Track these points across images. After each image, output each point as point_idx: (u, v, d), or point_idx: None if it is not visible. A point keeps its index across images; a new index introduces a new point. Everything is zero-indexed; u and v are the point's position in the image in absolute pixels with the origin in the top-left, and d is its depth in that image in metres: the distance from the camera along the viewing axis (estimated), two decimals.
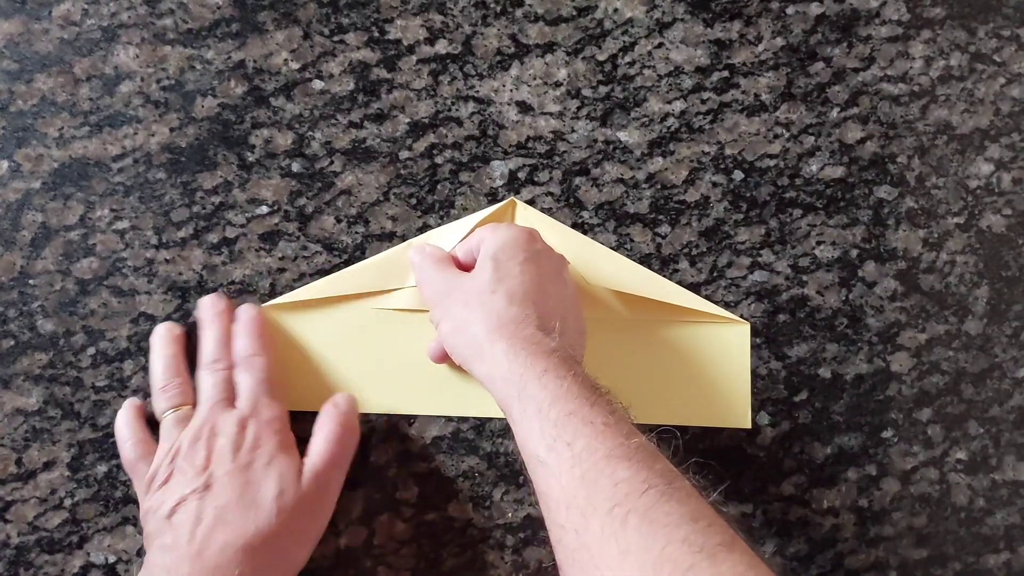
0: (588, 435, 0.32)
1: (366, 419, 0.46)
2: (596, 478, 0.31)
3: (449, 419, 0.46)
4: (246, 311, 0.44)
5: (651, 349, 0.46)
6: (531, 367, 0.35)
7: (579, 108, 0.48)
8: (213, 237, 0.46)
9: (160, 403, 0.42)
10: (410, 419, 0.46)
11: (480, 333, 0.37)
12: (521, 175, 0.48)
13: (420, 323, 0.45)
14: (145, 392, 0.45)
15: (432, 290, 0.42)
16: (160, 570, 0.37)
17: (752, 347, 0.47)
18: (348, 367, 0.46)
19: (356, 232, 0.47)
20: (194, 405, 0.42)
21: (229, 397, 0.41)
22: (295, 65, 0.47)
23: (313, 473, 0.40)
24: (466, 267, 0.42)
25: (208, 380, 0.42)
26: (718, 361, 0.46)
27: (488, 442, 0.47)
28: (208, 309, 0.44)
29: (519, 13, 0.48)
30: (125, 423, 0.43)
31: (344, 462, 0.42)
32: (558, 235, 0.46)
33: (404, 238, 0.47)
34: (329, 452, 0.41)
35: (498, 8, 0.48)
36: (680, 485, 0.31)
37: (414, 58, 0.47)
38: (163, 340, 0.44)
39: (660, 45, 0.48)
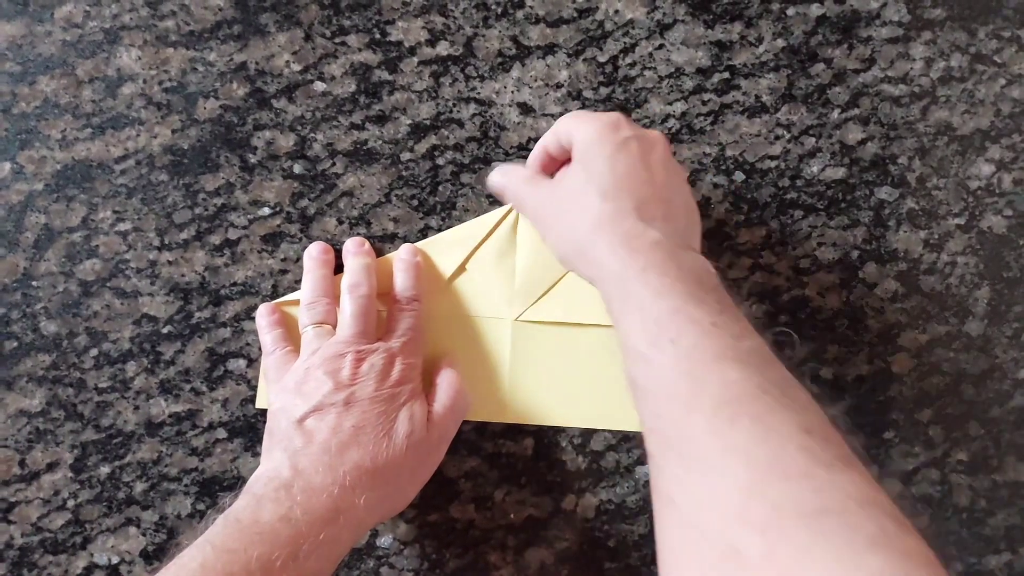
0: (695, 334, 0.30)
1: None
2: (704, 375, 0.29)
3: None
4: (408, 252, 0.45)
5: None
6: (631, 264, 0.34)
7: (580, 109, 0.48)
8: (215, 239, 0.46)
9: (305, 317, 0.43)
10: None
11: (580, 235, 0.36)
12: None
13: (439, 325, 0.46)
14: (148, 394, 0.46)
15: (531, 207, 0.41)
16: (289, 469, 0.37)
17: None
18: None
19: (358, 234, 0.47)
20: (335, 326, 0.42)
21: (368, 329, 0.42)
22: (297, 67, 0.47)
23: (436, 420, 0.41)
24: (559, 158, 0.41)
25: (349, 307, 0.42)
26: None
27: (490, 443, 0.47)
28: (355, 244, 0.45)
29: (520, 15, 0.48)
30: (268, 329, 0.44)
31: (460, 415, 0.43)
32: None
33: (406, 239, 0.47)
34: (451, 404, 0.42)
35: (499, 10, 0.48)
36: (796, 396, 0.29)
37: (415, 60, 0.48)
38: (316, 261, 0.45)
39: (661, 47, 0.48)
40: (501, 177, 0.43)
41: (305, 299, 0.43)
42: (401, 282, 0.44)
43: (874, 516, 0.25)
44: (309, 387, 0.39)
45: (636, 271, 0.33)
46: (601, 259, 0.35)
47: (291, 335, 0.44)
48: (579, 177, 0.38)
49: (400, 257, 0.45)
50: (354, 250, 0.45)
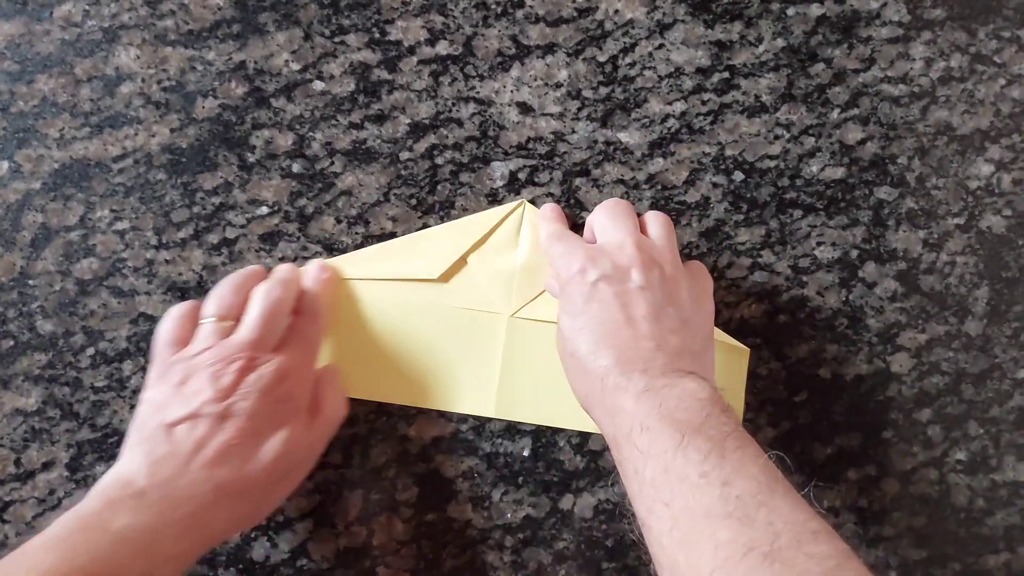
0: (683, 493, 0.31)
1: (366, 419, 0.46)
2: (696, 540, 0.29)
3: (449, 420, 0.47)
4: (316, 267, 0.44)
5: None
6: (619, 427, 0.34)
7: (580, 109, 0.48)
8: (213, 238, 0.46)
9: (210, 307, 0.40)
10: (409, 419, 0.46)
11: (580, 398, 0.39)
12: (521, 176, 0.48)
13: (435, 316, 0.46)
14: None
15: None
16: (146, 477, 0.35)
17: (752, 347, 0.47)
18: (349, 350, 0.46)
19: (356, 233, 0.47)
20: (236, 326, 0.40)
21: (269, 336, 0.40)
22: (296, 66, 0.47)
23: (309, 436, 0.40)
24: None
25: (256, 308, 0.40)
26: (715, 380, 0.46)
27: (487, 443, 0.47)
28: (287, 265, 0.45)
29: (520, 14, 0.48)
30: (177, 309, 0.41)
31: (334, 427, 0.42)
32: None
33: None
34: (325, 418, 0.41)
35: (499, 9, 0.48)
36: (784, 543, 0.28)
37: (415, 59, 0.47)
38: (253, 270, 0.44)
39: (661, 46, 0.48)
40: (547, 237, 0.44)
41: (217, 290, 0.41)
42: (309, 297, 0.43)
43: None
44: (189, 388, 0.37)
45: (624, 435, 0.34)
46: (599, 423, 0.37)
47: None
48: (563, 332, 0.39)
49: (309, 271, 0.44)
50: (284, 266, 0.44)
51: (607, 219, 0.42)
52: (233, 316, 0.40)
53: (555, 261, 0.42)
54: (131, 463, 0.36)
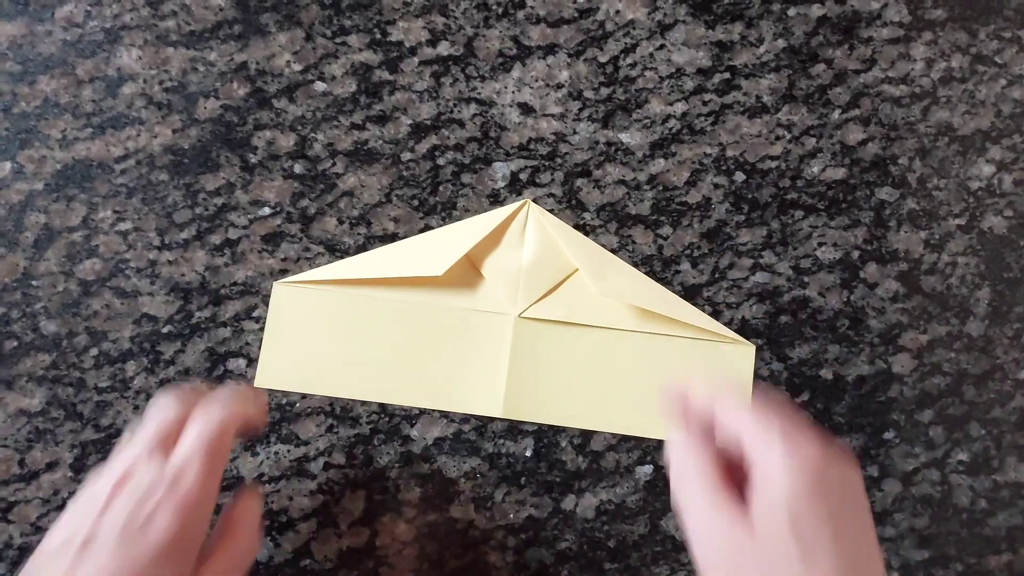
0: None
1: (368, 419, 0.46)
2: None
3: (451, 420, 0.47)
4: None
5: (654, 362, 0.46)
6: None
7: (581, 110, 0.48)
8: (215, 238, 0.46)
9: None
10: (412, 420, 0.46)
11: None
12: (523, 176, 0.48)
13: (441, 317, 0.46)
14: (148, 394, 0.46)
15: (714, 554, 0.31)
16: None
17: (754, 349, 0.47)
18: (356, 353, 0.46)
19: (358, 233, 0.47)
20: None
21: (166, 443, 0.34)
22: (297, 67, 0.47)
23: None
24: (727, 462, 0.33)
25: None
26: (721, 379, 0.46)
27: (490, 443, 0.47)
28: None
29: (521, 15, 0.48)
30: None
31: (243, 572, 0.36)
32: (568, 241, 0.47)
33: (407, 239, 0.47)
34: (229, 565, 0.34)
35: (500, 10, 0.48)
36: None
37: (416, 60, 0.48)
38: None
39: (662, 47, 0.48)
40: (681, 483, 0.33)
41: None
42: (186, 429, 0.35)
43: None
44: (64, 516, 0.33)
45: None
46: None
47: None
48: (791, 553, 0.29)
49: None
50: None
51: (790, 455, 0.31)
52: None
53: (767, 457, 0.31)
54: None
